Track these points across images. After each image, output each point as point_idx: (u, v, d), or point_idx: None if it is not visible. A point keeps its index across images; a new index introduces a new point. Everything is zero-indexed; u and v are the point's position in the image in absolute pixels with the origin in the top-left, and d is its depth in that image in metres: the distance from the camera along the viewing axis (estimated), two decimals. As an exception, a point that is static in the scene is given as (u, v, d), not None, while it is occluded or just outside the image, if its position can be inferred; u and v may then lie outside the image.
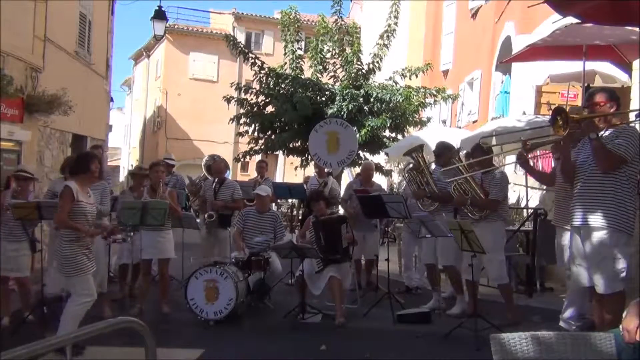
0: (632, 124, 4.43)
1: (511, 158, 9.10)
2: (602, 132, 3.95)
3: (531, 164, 9.21)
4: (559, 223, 5.25)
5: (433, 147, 7.56)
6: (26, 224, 5.83)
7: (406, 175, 6.99)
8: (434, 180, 6.60)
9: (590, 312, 5.13)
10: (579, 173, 4.11)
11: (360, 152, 12.29)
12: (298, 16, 13.88)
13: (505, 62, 10.20)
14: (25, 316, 5.80)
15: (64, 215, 4.75)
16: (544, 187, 7.44)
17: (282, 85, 13.05)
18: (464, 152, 8.05)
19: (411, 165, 6.89)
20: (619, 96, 4.16)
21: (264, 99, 13.48)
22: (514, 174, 9.46)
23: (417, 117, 13.35)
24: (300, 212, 13.64)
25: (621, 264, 3.84)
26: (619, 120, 4.19)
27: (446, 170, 6.47)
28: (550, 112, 4.12)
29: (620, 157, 3.85)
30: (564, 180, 4.94)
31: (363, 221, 7.36)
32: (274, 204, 10.49)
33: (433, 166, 7.07)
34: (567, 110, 4.16)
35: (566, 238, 5.04)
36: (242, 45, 13.94)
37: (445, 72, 16.60)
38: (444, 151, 6.70)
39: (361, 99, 12.49)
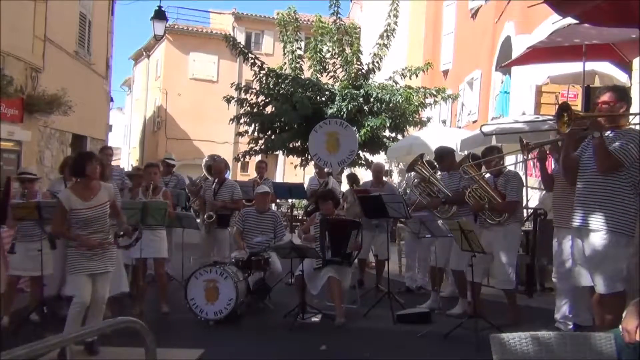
0: (635, 126, 4.39)
1: (511, 158, 9.10)
2: (607, 133, 3.92)
3: (531, 163, 9.27)
4: (558, 224, 5.25)
5: (433, 148, 7.56)
6: (42, 223, 5.79)
7: (416, 191, 6.84)
8: (445, 185, 6.52)
9: (579, 313, 5.15)
10: (581, 173, 4.10)
11: (360, 152, 12.31)
12: (297, 16, 13.90)
13: (504, 67, 10.20)
14: (29, 312, 5.80)
15: (56, 226, 4.85)
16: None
17: (282, 86, 13.07)
18: (465, 152, 8.05)
19: (416, 181, 6.78)
20: (630, 96, 4.09)
21: (263, 99, 13.51)
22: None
23: (417, 117, 13.37)
24: (300, 211, 13.68)
25: (621, 265, 3.83)
26: (626, 121, 4.13)
27: (452, 174, 6.45)
28: (556, 109, 4.07)
29: (618, 161, 3.83)
30: (565, 180, 4.93)
31: (368, 221, 7.35)
32: (273, 204, 10.49)
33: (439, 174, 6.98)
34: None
35: (564, 237, 5.04)
36: (241, 46, 13.96)
37: (445, 72, 16.61)
38: (446, 155, 6.68)
39: (361, 99, 12.52)
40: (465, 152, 7.98)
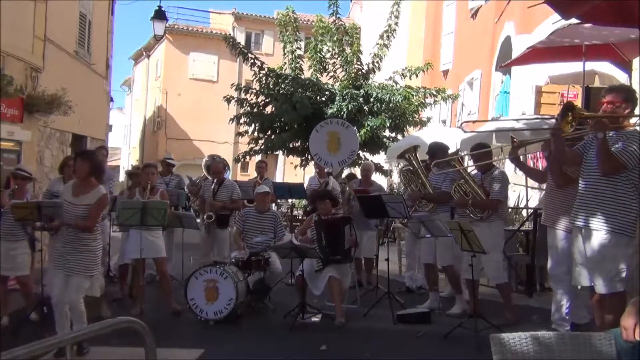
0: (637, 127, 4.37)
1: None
2: (609, 133, 3.90)
3: (531, 164, 9.28)
4: (548, 223, 5.24)
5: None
6: (25, 224, 5.83)
7: (402, 177, 6.97)
8: (429, 181, 6.58)
9: (575, 311, 5.15)
10: (583, 173, 4.09)
11: (360, 152, 12.30)
12: (296, 16, 13.90)
13: (504, 67, 10.20)
14: (28, 313, 5.81)
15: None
16: (544, 187, 7.45)
17: (282, 86, 13.06)
18: (464, 153, 8.05)
19: (410, 168, 6.87)
20: (636, 97, 4.05)
21: (263, 99, 13.50)
22: (514, 174, 9.46)
23: (417, 117, 13.36)
24: (300, 211, 13.67)
25: (621, 265, 3.83)
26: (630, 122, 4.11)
27: (440, 171, 6.47)
28: (560, 108, 4.07)
29: (621, 163, 3.82)
30: (552, 181, 4.95)
31: (360, 220, 7.37)
32: (273, 204, 10.49)
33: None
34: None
35: (555, 238, 5.04)
36: (241, 46, 13.96)
37: (445, 72, 16.61)
38: (437, 152, 6.70)
39: (361, 99, 12.51)
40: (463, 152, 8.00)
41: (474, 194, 5.92)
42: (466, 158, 7.55)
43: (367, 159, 13.33)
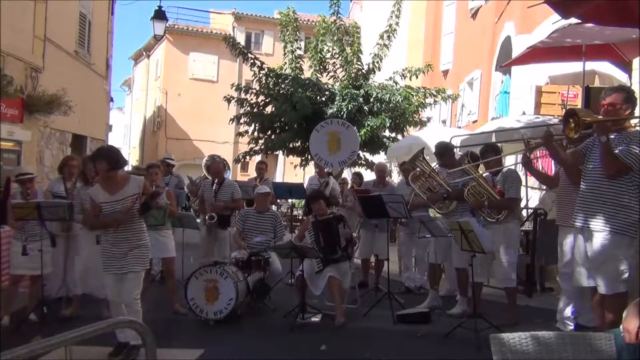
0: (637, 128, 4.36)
1: (510, 159, 9.11)
2: (611, 135, 3.88)
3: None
4: (561, 222, 5.23)
5: (433, 148, 7.55)
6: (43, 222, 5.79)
7: (415, 185, 6.79)
8: (445, 181, 6.49)
9: (583, 313, 5.14)
10: (586, 174, 4.08)
11: (360, 152, 12.31)
12: (296, 16, 13.91)
13: (504, 67, 10.19)
14: (28, 313, 5.80)
15: (89, 220, 5.03)
16: (544, 187, 7.44)
17: (282, 86, 13.07)
18: (465, 151, 8.03)
19: (417, 172, 6.72)
20: (635, 98, 4.04)
21: (263, 99, 13.51)
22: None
23: (416, 117, 13.37)
24: (300, 211, 13.68)
25: (623, 266, 3.82)
26: (632, 124, 4.09)
27: (452, 172, 6.43)
28: (563, 114, 4.07)
29: (626, 165, 3.80)
30: (570, 182, 4.93)
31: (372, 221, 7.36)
32: (273, 205, 10.49)
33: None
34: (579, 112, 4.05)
35: (567, 237, 5.03)
36: (240, 46, 13.96)
37: (445, 72, 16.61)
38: (446, 151, 6.68)
39: (361, 99, 12.51)
40: (460, 151, 7.98)
41: (489, 195, 5.84)
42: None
43: (367, 159, 13.35)
